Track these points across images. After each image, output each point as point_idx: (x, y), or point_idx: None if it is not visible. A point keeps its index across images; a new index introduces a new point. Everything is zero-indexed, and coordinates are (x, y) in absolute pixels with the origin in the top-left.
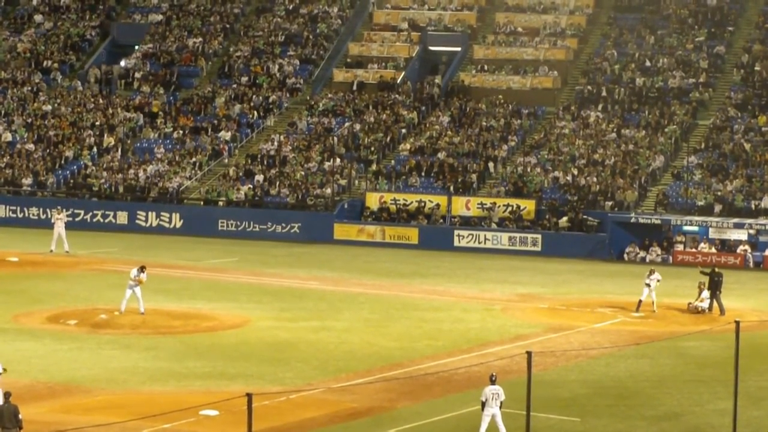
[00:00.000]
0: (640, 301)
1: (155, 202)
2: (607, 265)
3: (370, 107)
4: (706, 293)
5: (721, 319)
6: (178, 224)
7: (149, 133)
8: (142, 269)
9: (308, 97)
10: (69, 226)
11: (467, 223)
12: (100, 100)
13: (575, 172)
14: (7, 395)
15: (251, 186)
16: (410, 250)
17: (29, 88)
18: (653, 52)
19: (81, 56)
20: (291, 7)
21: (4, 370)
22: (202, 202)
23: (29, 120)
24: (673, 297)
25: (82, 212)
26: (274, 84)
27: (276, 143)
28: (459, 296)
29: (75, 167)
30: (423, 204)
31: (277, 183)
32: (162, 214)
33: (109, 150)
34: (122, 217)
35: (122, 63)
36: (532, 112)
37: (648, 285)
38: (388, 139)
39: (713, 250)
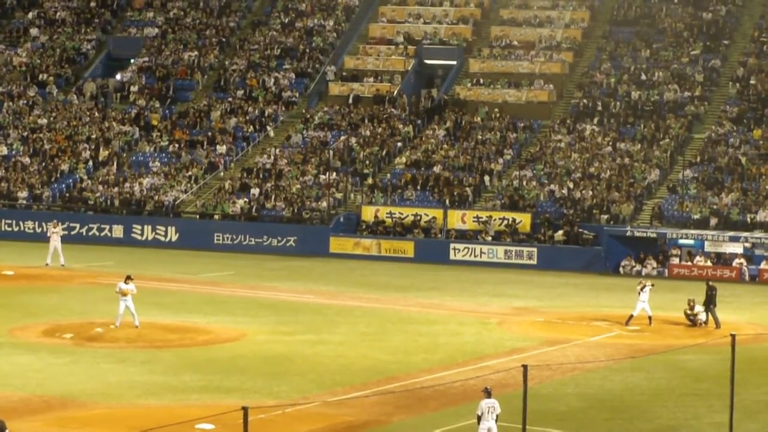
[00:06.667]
0: (632, 315)
1: (151, 215)
2: (602, 278)
3: (366, 121)
4: (698, 307)
5: (716, 332)
6: (174, 238)
7: (145, 147)
8: (127, 280)
9: (304, 111)
10: (64, 239)
11: (463, 236)
12: (96, 114)
13: (571, 185)
14: None
15: (247, 199)
16: (406, 263)
17: (25, 102)
18: (648, 66)
19: (77, 69)
20: (287, 20)
21: None
22: (197, 216)
23: (25, 133)
24: (669, 310)
25: (78, 226)
26: (269, 97)
27: (272, 157)
28: (455, 310)
29: (70, 181)
30: (419, 217)
31: (273, 196)
32: (158, 227)
33: (104, 163)
34: (118, 231)
35: (118, 76)
36: (527, 126)
37: (642, 301)
38: (384, 152)
39: (709, 263)
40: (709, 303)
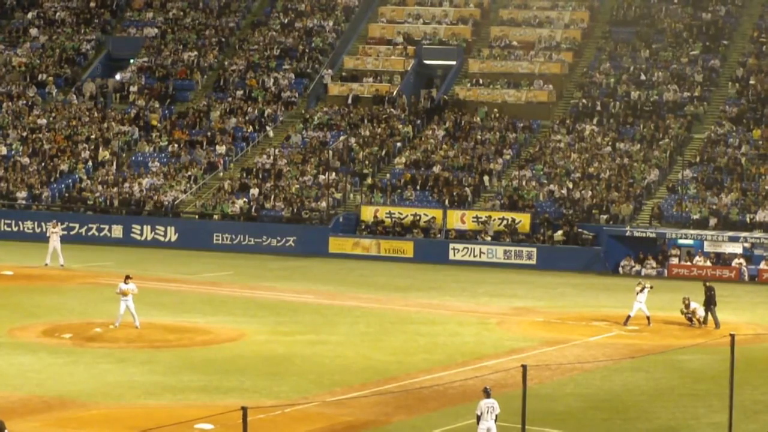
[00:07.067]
0: (629, 316)
1: (150, 215)
2: (602, 278)
3: (365, 121)
4: (694, 304)
5: (716, 332)
6: (173, 238)
7: (144, 147)
8: (126, 279)
9: (303, 111)
10: (64, 239)
11: (462, 236)
12: (95, 114)
13: (570, 185)
14: None
15: (246, 199)
16: (405, 263)
17: (24, 102)
18: (648, 66)
19: (76, 70)
20: (286, 21)
21: None
22: (197, 216)
23: (24, 133)
24: (668, 311)
25: (77, 226)
26: (269, 97)
27: (271, 157)
28: (454, 310)
29: (70, 181)
30: (418, 217)
31: (272, 196)
32: (157, 227)
33: (104, 163)
34: (117, 231)
35: (117, 76)
36: (527, 126)
37: (640, 301)
38: (383, 152)
39: (708, 263)
40: (709, 303)
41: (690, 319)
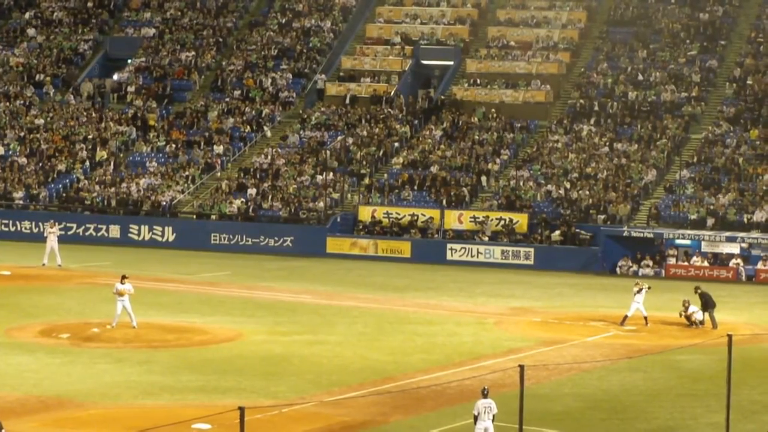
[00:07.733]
0: (626, 316)
1: (148, 215)
2: (599, 278)
3: (363, 121)
4: (693, 307)
5: (713, 332)
6: (171, 238)
7: (142, 147)
8: (123, 280)
9: (301, 111)
10: (61, 239)
11: (460, 236)
12: (93, 114)
13: (568, 185)
14: None
15: (244, 199)
16: (403, 263)
17: (22, 102)
18: (645, 66)
19: (74, 70)
20: (284, 21)
21: None
22: (194, 216)
23: (22, 133)
24: (666, 311)
25: (75, 226)
26: (266, 98)
27: (269, 157)
28: (452, 310)
29: (67, 181)
30: (416, 217)
31: (270, 197)
32: (155, 227)
33: (101, 163)
34: (115, 231)
35: (115, 77)
36: (524, 126)
37: (637, 302)
38: (381, 152)
39: (706, 263)
40: (707, 307)
41: (688, 318)
